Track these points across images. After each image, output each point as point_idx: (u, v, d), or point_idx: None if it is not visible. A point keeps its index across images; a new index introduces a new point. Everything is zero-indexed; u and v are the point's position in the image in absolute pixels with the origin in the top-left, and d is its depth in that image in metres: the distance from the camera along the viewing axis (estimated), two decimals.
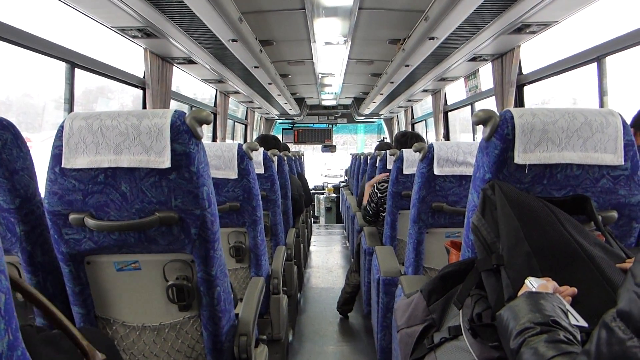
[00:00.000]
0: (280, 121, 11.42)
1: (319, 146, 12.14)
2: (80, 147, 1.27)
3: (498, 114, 1.24)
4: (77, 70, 3.12)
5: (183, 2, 2.73)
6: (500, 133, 1.21)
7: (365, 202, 3.35)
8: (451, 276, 1.27)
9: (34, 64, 2.90)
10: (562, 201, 1.20)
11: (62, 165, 1.28)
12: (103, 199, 1.30)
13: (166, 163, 1.24)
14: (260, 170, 2.77)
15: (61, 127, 1.28)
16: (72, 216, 1.31)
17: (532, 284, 0.94)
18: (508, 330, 0.84)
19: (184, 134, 1.25)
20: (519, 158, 1.20)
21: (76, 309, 1.45)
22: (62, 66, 3.03)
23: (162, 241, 1.35)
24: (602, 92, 3.09)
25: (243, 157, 2.15)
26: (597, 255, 1.01)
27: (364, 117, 10.84)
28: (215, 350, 1.50)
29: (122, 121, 1.26)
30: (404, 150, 2.74)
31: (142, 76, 4.09)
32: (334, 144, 11.84)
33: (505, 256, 1.06)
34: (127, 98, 4.70)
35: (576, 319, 0.84)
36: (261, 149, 2.79)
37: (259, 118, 10.30)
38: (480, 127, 1.29)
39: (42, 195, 1.38)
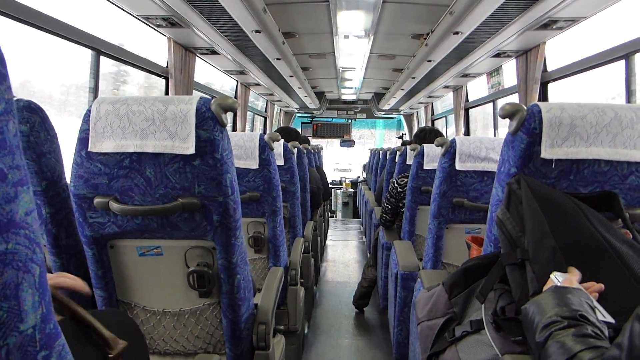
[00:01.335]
0: (300, 115, 11.42)
1: (333, 141, 12.13)
2: (106, 131, 1.28)
3: (525, 107, 1.22)
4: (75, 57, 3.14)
5: None
6: (527, 127, 1.19)
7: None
8: (474, 270, 1.26)
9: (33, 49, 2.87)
10: (589, 197, 1.18)
11: (89, 149, 1.29)
12: (128, 184, 1.32)
13: (191, 149, 1.25)
14: (280, 161, 2.77)
15: (88, 111, 1.30)
16: (97, 200, 1.33)
17: (557, 278, 0.93)
18: (534, 324, 0.84)
19: (209, 120, 1.26)
20: (546, 152, 1.18)
21: (98, 292, 1.47)
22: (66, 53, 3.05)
23: (185, 227, 1.36)
24: (629, 92, 3.03)
25: (264, 147, 2.15)
26: (624, 252, 1.00)
27: (384, 113, 10.80)
28: (234, 338, 1.51)
29: (149, 106, 1.27)
30: (424, 145, 2.73)
31: (165, 65, 4.11)
32: (352, 138, 11.79)
33: (531, 250, 1.05)
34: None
35: (603, 315, 0.84)
36: (282, 141, 2.79)
37: (279, 111, 10.31)
38: (501, 125, 1.27)
39: (68, 179, 1.40)
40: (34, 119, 1.31)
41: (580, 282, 0.92)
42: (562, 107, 1.19)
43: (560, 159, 1.19)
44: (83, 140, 1.30)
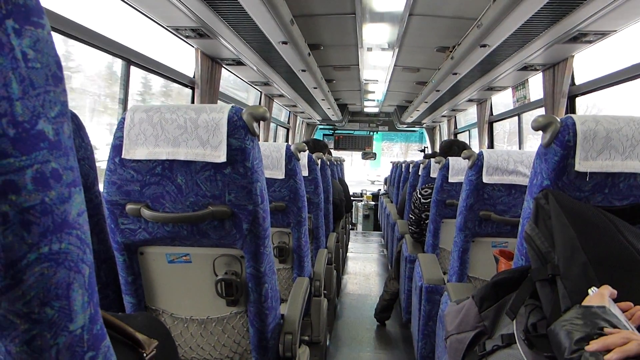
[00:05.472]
0: (322, 126, 11.45)
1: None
2: (140, 138, 1.30)
3: (559, 120, 1.21)
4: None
5: (238, 2, 2.77)
6: (561, 139, 1.18)
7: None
8: (504, 283, 1.25)
9: None
10: (621, 210, 1.16)
11: (122, 156, 1.31)
12: (159, 191, 1.33)
13: (222, 157, 1.26)
14: (304, 172, 2.78)
15: (122, 118, 1.32)
16: (129, 206, 1.34)
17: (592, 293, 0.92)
18: (562, 348, 0.82)
19: (240, 129, 1.27)
20: (580, 165, 1.17)
21: (128, 298, 1.49)
22: None
23: (214, 235, 1.37)
24: None
25: (291, 157, 2.16)
26: None
27: (406, 126, 10.77)
28: (261, 347, 1.51)
29: (181, 115, 1.29)
30: (450, 158, 2.71)
31: (192, 76, 4.16)
32: (374, 151, 11.77)
33: (561, 266, 1.03)
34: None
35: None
36: (307, 152, 2.80)
37: (301, 122, 10.35)
38: (527, 139, 1.26)
39: (100, 186, 1.42)
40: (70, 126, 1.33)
41: (617, 301, 0.90)
42: (596, 120, 1.18)
43: (595, 172, 1.17)
44: (117, 147, 1.32)
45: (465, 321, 1.30)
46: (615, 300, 0.90)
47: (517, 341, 1.09)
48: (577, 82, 4.03)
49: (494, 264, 1.64)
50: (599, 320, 0.81)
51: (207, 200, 1.32)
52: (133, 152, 1.31)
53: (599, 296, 0.89)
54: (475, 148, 7.05)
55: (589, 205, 1.14)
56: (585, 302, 0.90)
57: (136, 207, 1.34)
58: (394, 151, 13.52)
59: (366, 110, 10.63)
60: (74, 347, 0.49)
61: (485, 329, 1.24)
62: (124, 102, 3.14)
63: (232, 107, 1.29)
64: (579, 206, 1.11)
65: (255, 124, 1.29)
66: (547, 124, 1.20)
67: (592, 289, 0.92)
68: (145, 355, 0.86)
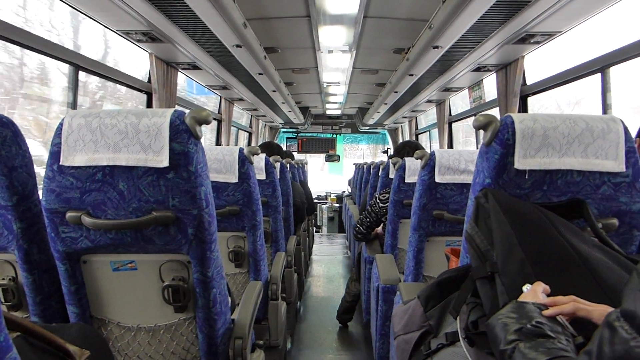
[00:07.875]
0: (285, 130, 11.44)
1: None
2: (79, 145, 1.27)
3: (499, 118, 1.23)
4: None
5: (188, 6, 2.73)
6: (501, 138, 1.20)
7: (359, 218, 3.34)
8: (448, 282, 1.26)
9: None
10: (558, 206, 1.18)
11: (61, 163, 1.28)
12: (100, 197, 1.30)
13: (164, 162, 1.24)
14: (261, 176, 2.76)
15: (60, 124, 1.28)
16: (69, 214, 1.31)
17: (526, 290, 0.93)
18: (497, 340, 0.83)
19: (182, 133, 1.25)
20: (519, 163, 1.19)
21: (71, 308, 1.45)
22: None
23: (159, 241, 1.35)
24: (605, 106, 3.05)
25: (244, 161, 2.14)
26: (593, 258, 1.00)
27: (368, 127, 10.84)
28: (210, 353, 1.49)
29: (122, 119, 1.26)
30: (406, 158, 2.74)
31: (146, 80, 4.09)
32: (337, 153, 11.81)
33: (500, 263, 1.05)
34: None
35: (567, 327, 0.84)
36: (263, 155, 2.78)
37: (263, 126, 10.30)
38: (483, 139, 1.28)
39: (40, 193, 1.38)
40: (5, 133, 1.29)
41: (552, 295, 0.91)
42: (534, 118, 1.20)
43: (534, 169, 1.20)
44: (55, 154, 1.29)
45: (412, 321, 1.30)
46: (551, 294, 0.91)
47: (460, 339, 1.10)
48: (529, 82, 4.14)
49: (448, 263, 1.66)
50: (533, 314, 0.83)
51: (151, 205, 1.30)
52: (72, 158, 1.28)
53: (532, 293, 0.91)
54: (436, 148, 7.13)
55: (527, 202, 1.16)
56: (521, 299, 0.91)
57: (76, 214, 1.30)
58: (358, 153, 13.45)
59: (328, 112, 10.65)
60: None
61: (431, 328, 1.25)
62: (73, 106, 3.06)
63: (174, 111, 1.27)
64: (517, 204, 1.13)
65: (198, 128, 1.28)
66: (487, 123, 1.22)
67: (525, 286, 0.94)
68: None
